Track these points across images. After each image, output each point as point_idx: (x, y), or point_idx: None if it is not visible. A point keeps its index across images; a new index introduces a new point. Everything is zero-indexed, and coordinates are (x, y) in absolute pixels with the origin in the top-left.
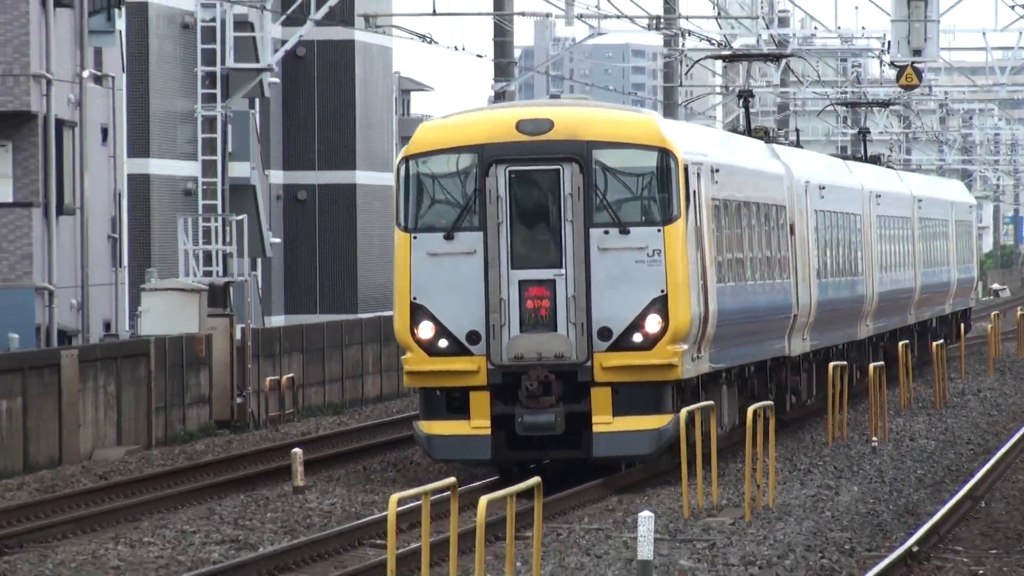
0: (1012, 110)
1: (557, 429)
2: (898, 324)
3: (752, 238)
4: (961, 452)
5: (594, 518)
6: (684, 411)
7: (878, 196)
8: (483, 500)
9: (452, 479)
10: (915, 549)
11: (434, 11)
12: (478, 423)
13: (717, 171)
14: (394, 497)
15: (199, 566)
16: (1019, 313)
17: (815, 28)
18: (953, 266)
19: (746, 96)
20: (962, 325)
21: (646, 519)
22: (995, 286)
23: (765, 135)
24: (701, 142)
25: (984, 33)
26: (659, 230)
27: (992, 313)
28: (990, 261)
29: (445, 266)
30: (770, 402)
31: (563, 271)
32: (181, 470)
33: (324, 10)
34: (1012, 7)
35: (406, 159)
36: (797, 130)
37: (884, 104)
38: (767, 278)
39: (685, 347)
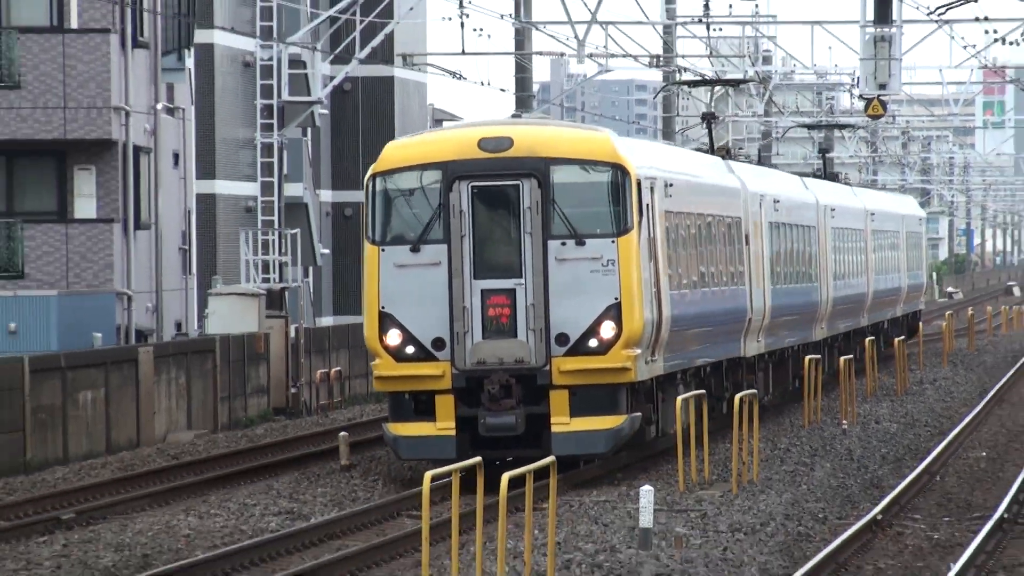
0: (964, 136)
1: (518, 430)
2: (852, 326)
3: (706, 248)
4: (919, 433)
5: (601, 491)
6: (679, 399)
7: (832, 209)
8: (505, 476)
9: (478, 458)
10: (879, 517)
11: (463, 51)
12: (443, 425)
13: (671, 185)
14: (428, 474)
15: (259, 534)
16: (970, 313)
17: (794, 65)
18: (903, 273)
19: (709, 118)
20: (920, 324)
21: (647, 492)
22: (949, 289)
23: (726, 153)
24: (656, 158)
25: (940, 70)
26: (613, 241)
27: (947, 313)
28: (945, 268)
29: (411, 277)
30: (754, 391)
31: (523, 280)
32: (243, 451)
33: (367, 50)
34: (964, 47)
35: (374, 176)
36: (760, 151)
37: (843, 127)
38: (721, 285)
39: (639, 351)
